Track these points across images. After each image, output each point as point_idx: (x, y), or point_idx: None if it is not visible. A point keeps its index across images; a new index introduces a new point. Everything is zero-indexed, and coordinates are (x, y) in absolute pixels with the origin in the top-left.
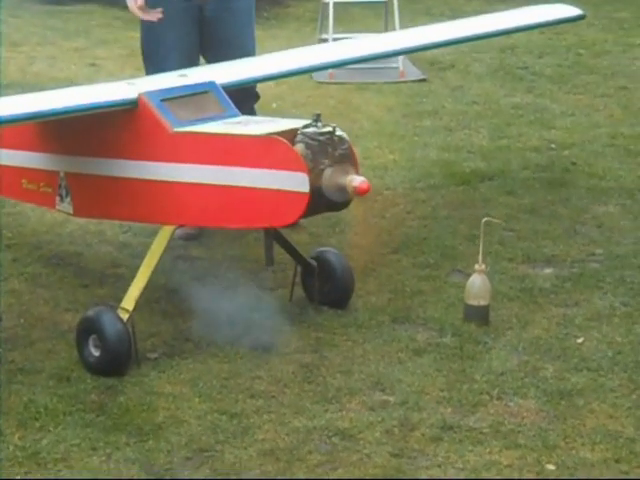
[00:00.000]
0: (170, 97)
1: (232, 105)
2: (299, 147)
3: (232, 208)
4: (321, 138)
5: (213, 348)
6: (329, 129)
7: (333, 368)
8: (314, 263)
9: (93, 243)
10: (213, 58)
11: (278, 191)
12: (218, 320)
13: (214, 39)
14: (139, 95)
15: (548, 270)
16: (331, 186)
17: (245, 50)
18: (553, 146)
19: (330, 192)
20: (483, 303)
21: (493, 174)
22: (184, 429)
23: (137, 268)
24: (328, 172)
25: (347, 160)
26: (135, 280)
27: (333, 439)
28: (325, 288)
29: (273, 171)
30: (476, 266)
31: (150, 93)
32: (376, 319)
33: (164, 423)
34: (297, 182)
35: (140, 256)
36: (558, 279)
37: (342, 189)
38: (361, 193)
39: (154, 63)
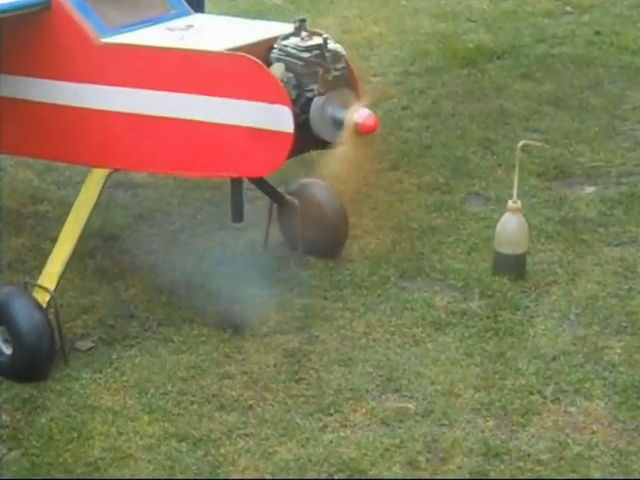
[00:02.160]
0: None
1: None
2: (277, 68)
3: (185, 150)
4: (307, 55)
5: (166, 328)
6: (318, 41)
7: (328, 356)
8: (294, 200)
9: (7, 167)
10: None
11: (249, 130)
12: (171, 284)
13: None
14: None
15: (590, 189)
16: (323, 122)
17: None
18: (569, 9)
19: (322, 130)
20: (519, 251)
21: (502, 50)
22: (130, 470)
23: (65, 205)
24: (318, 102)
25: (344, 84)
26: (58, 244)
27: (336, 477)
28: (310, 233)
29: (241, 102)
30: (510, 202)
31: None
32: (379, 274)
33: (102, 460)
34: (276, 118)
35: (70, 186)
36: (604, 204)
37: (338, 125)
38: (365, 132)
39: None
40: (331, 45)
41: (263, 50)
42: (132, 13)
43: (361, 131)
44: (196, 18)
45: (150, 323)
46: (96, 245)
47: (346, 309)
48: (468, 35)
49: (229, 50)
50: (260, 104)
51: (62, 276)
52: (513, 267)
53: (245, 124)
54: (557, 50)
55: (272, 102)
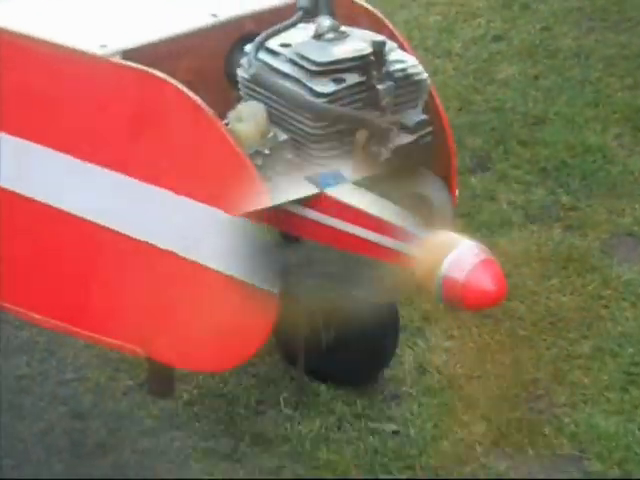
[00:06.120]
0: None
1: None
2: (246, 117)
3: (41, 276)
4: (329, 88)
5: None
6: (361, 47)
7: None
8: None
9: None
10: None
11: (176, 260)
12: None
13: None
14: None
15: None
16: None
17: None
18: None
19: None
20: None
21: None
22: None
23: None
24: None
25: (420, 162)
26: None
27: None
28: (325, 339)
29: (160, 192)
30: None
31: None
32: (451, 435)
33: None
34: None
35: None
36: None
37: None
38: (474, 304)
39: None
40: (395, 59)
41: (223, 52)
42: None
43: (464, 302)
44: None
45: None
46: None
47: None
48: None
49: (128, 54)
50: (200, 207)
51: None
52: None
53: (166, 247)
54: None
55: (226, 208)
